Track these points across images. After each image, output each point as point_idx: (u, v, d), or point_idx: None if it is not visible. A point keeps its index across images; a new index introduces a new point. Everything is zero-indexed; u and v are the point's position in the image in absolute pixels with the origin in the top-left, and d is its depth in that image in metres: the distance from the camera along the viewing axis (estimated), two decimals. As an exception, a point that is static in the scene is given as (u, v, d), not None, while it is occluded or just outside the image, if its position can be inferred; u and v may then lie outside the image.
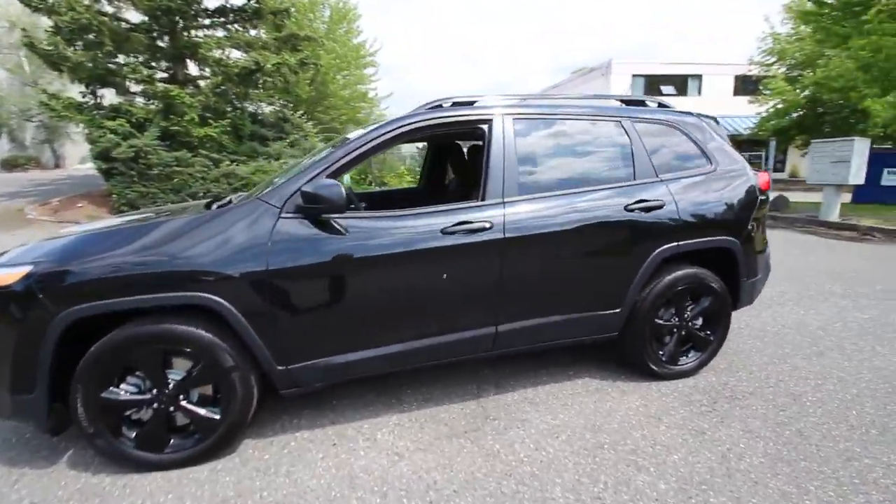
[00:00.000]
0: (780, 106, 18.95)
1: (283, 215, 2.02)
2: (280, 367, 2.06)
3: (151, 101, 12.25)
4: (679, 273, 2.66)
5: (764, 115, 19.25)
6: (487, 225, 2.23)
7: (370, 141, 2.20)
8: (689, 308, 2.77)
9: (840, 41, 11.14)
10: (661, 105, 2.89)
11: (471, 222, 2.22)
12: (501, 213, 2.27)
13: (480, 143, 2.44)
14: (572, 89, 30.71)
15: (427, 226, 2.18)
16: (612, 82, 27.32)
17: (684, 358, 2.84)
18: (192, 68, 13.73)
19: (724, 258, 2.78)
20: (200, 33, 13.48)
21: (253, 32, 14.17)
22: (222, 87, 12.86)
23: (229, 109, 13.33)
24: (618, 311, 2.58)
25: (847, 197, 11.85)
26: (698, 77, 29.10)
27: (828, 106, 18.35)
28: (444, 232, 2.18)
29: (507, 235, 2.26)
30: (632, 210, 2.50)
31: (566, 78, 35.27)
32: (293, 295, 2.02)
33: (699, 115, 2.91)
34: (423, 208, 2.23)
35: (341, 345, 2.14)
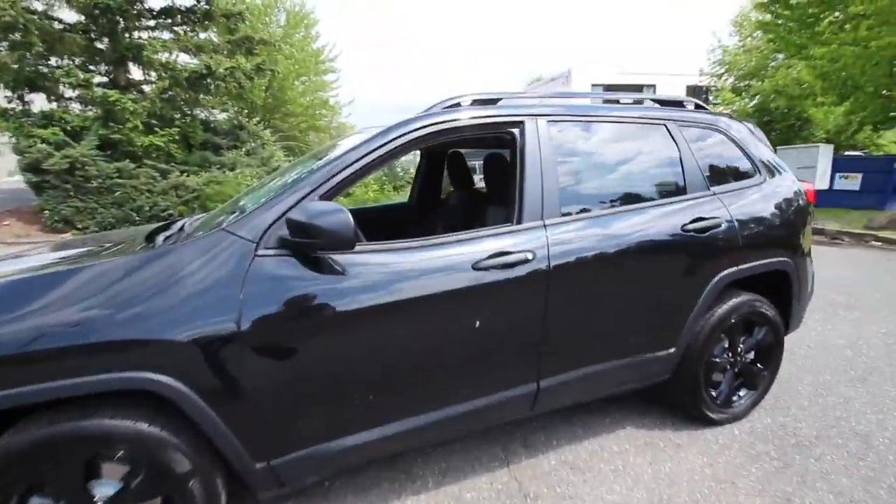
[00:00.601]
0: (729, 115, 19.66)
1: (260, 252, 1.46)
2: (259, 464, 1.48)
3: (89, 108, 11.15)
4: (734, 301, 2.26)
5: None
6: (529, 256, 1.75)
7: (377, 148, 1.67)
8: (742, 341, 2.38)
9: (797, 50, 11.48)
10: (697, 106, 2.50)
11: (509, 252, 1.73)
12: (543, 239, 1.80)
13: (509, 151, 1.96)
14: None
15: (452, 259, 1.67)
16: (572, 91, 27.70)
17: (736, 398, 2.44)
18: (136, 72, 12.66)
19: (778, 281, 2.41)
20: (144, 35, 12.44)
21: (203, 35, 13.25)
22: (170, 93, 11.91)
23: (178, 116, 12.36)
24: (672, 350, 2.15)
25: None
26: (652, 86, 30.00)
27: (774, 115, 19.25)
28: (477, 267, 1.68)
29: (553, 267, 1.78)
30: (688, 231, 2.08)
31: (523, 89, 35.63)
32: (278, 363, 1.46)
33: (740, 119, 2.55)
34: (445, 237, 1.72)
35: (345, 425, 1.59)
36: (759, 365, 2.47)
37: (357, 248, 1.56)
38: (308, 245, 1.44)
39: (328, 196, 1.59)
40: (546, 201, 1.85)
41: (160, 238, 1.73)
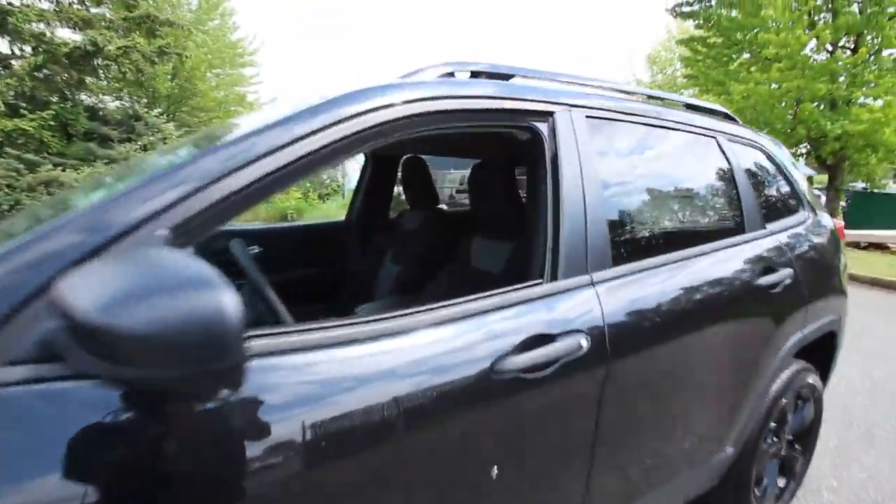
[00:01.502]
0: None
1: None
2: None
3: (-71, 81, 9.00)
4: (789, 374, 1.74)
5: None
6: (583, 341, 1.03)
7: (313, 133, 0.86)
8: (788, 421, 1.86)
9: (715, 85, 12.15)
10: (727, 116, 1.96)
11: (550, 336, 1.00)
12: (594, 306, 1.10)
13: (525, 156, 1.24)
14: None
15: (453, 351, 0.91)
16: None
17: (777, 492, 1.92)
18: (3, 45, 10.51)
19: (824, 342, 1.93)
20: (16, 1, 10.35)
21: (96, 10, 11.33)
22: (45, 71, 9.97)
23: (55, 100, 10.37)
24: (730, 451, 1.55)
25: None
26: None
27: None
28: (500, 370, 0.93)
29: (612, 352, 1.08)
30: (760, 285, 1.50)
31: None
32: None
33: (775, 139, 2.07)
34: (436, 309, 0.93)
35: None
36: (797, 447, 1.97)
37: (265, 337, 0.75)
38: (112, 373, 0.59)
39: (192, 236, 0.75)
40: (592, 243, 1.15)
41: None
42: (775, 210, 1.83)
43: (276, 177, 0.82)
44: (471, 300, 0.98)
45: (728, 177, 1.63)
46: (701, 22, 12.29)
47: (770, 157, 1.90)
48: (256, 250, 2.21)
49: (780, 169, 1.92)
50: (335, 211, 10.89)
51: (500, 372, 0.92)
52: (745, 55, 12.23)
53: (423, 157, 2.30)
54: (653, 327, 1.19)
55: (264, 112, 1.16)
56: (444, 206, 3.82)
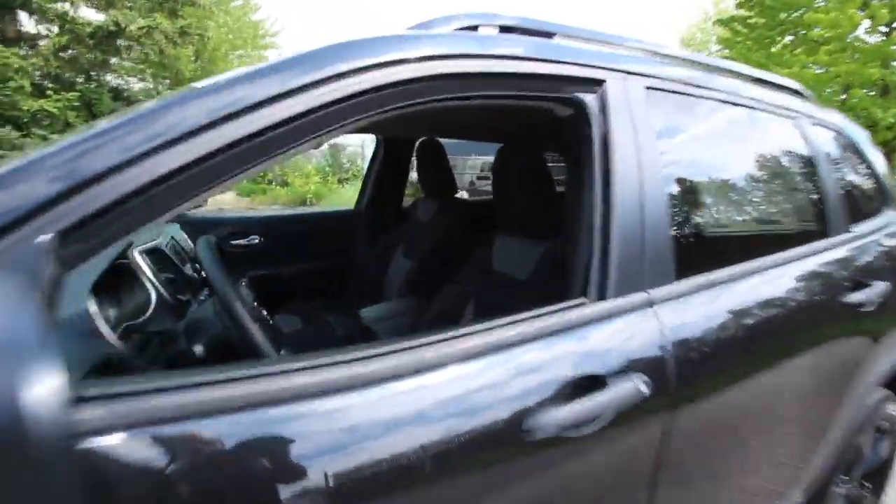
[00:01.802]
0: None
1: None
2: None
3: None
4: (869, 406, 1.45)
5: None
6: (642, 385, 0.78)
7: (291, 94, 0.62)
8: (863, 459, 1.58)
9: (757, 67, 11.46)
10: (797, 93, 1.63)
11: (599, 379, 0.75)
12: (656, 335, 0.84)
13: (565, 138, 0.99)
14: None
15: (467, 407, 0.67)
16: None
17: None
18: (31, 25, 10.59)
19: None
20: (41, -21, 10.38)
21: (119, -9, 11.31)
22: (70, 51, 10.02)
23: (81, 80, 10.46)
24: (798, 498, 1.29)
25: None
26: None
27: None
28: (530, 427, 0.69)
29: (676, 395, 0.84)
30: (849, 303, 1.22)
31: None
32: None
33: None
34: (447, 340, 0.69)
35: None
36: (867, 484, 1.69)
37: (237, 382, 0.55)
38: None
39: (97, 242, 0.53)
40: (651, 250, 0.89)
41: None
42: (860, 208, 1.52)
43: (228, 157, 0.59)
44: (496, 327, 0.73)
45: (811, 168, 1.33)
46: (742, 1, 11.58)
47: (851, 143, 1.59)
48: (256, 241, 2.02)
49: (862, 157, 1.61)
50: (353, 196, 10.71)
51: (535, 429, 0.68)
52: (789, 37, 11.51)
53: (440, 140, 2.05)
54: (728, 358, 0.93)
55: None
56: (464, 193, 3.58)
